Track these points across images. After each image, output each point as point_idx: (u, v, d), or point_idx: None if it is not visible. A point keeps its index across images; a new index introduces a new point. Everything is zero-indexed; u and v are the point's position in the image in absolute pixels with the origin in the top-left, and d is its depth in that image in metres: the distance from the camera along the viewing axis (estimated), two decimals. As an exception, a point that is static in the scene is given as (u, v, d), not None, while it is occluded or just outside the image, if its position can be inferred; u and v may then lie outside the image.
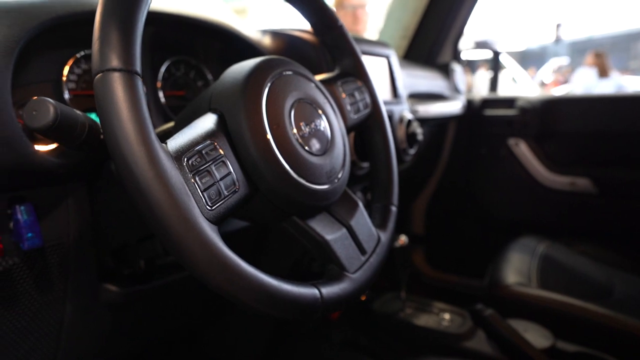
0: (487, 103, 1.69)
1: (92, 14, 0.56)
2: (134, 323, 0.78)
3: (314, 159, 0.52)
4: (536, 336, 0.97)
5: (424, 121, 1.30)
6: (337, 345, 1.31)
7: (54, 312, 0.60)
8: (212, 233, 0.39)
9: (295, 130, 0.51)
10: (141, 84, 0.38)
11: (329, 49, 0.70)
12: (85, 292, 0.63)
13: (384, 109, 0.72)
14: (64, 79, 0.60)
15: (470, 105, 1.68)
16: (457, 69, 1.63)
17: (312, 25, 0.68)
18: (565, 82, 6.99)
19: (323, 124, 0.56)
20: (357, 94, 0.68)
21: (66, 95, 0.61)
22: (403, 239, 1.21)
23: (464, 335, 1.14)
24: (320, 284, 0.48)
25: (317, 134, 0.54)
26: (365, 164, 0.90)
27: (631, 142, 1.44)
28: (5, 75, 0.46)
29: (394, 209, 0.67)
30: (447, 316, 1.23)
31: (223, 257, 0.38)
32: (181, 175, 0.39)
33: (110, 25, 0.38)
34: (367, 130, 0.71)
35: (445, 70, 1.61)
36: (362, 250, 0.57)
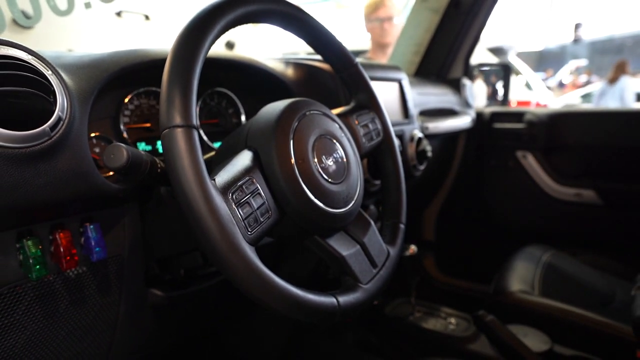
0: (496, 116, 1.76)
1: (147, 63, 0.67)
2: (173, 322, 0.88)
3: (333, 187, 0.62)
4: (535, 341, 1.05)
5: (434, 135, 1.38)
6: (351, 345, 1.40)
7: (111, 312, 0.71)
8: (251, 254, 0.49)
9: (317, 163, 0.60)
10: (197, 135, 0.48)
11: (346, 84, 0.79)
12: (135, 295, 0.73)
13: (394, 137, 0.81)
14: (121, 115, 0.71)
15: (479, 118, 1.75)
16: (467, 83, 1.70)
17: (331, 64, 0.77)
18: (586, 83, 7.23)
19: (341, 156, 0.65)
20: (370, 125, 0.77)
21: (122, 128, 0.72)
22: (413, 248, 1.29)
23: (468, 338, 1.22)
24: (337, 293, 0.58)
25: (336, 164, 0.63)
26: (377, 182, 1.00)
27: (635, 155, 1.49)
28: (84, 121, 0.56)
29: (402, 226, 0.76)
30: (453, 320, 1.31)
31: (260, 273, 0.48)
32: (227, 208, 0.49)
33: (173, 89, 0.48)
34: (379, 155, 0.81)
35: (456, 85, 1.69)
36: (374, 264, 0.66)
